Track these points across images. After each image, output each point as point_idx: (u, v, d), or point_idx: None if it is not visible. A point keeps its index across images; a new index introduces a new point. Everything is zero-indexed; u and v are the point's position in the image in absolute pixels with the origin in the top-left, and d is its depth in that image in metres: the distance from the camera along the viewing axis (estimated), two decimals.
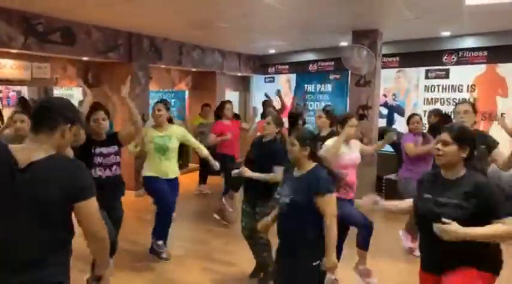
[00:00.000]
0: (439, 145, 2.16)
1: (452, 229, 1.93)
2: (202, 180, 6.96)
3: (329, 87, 8.70)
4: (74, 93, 9.67)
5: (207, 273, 3.91)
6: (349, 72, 6.67)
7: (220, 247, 4.57)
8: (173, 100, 9.94)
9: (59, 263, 1.69)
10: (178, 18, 5.54)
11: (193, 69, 8.36)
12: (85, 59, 6.21)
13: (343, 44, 7.34)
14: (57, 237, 1.66)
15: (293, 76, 9.32)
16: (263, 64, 9.71)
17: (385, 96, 7.81)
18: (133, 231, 4.82)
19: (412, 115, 4.76)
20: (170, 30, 6.52)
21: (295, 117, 5.82)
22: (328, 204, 2.39)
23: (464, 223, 1.95)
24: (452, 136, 2.14)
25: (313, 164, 2.52)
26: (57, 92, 9.66)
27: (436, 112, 5.27)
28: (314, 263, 2.38)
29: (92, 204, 1.67)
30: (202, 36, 7.08)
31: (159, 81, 8.13)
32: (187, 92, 9.44)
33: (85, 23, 5.70)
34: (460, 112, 3.43)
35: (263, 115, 6.61)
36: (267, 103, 6.92)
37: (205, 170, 6.82)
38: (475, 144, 2.18)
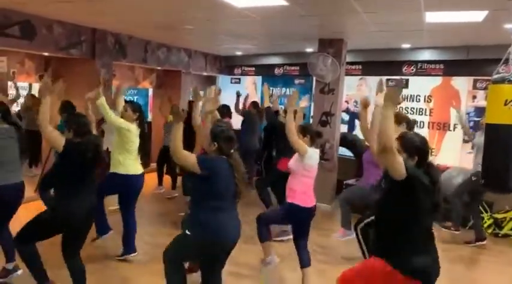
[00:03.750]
0: None
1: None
2: (159, 180, 6.90)
3: None
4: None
5: None
6: (314, 77, 6.83)
7: None
8: (136, 97, 9.76)
9: None
10: (144, 18, 5.44)
11: (159, 68, 8.25)
12: (45, 54, 5.98)
13: (309, 50, 7.49)
14: None
15: (259, 79, 9.40)
16: (229, 65, 9.72)
17: (347, 102, 8.04)
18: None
19: None
20: (136, 28, 6.39)
21: None
22: None
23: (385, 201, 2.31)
24: (401, 145, 2.29)
25: None
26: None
27: None
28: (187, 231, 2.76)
29: None
30: (169, 36, 7.00)
31: (122, 78, 7.95)
32: (151, 90, 9.29)
33: (46, 17, 5.48)
34: None
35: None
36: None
37: (161, 169, 6.81)
38: (426, 154, 2.32)
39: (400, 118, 3.65)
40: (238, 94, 7.41)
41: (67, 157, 3.00)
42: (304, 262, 3.63)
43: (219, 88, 4.96)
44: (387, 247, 2.28)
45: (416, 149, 2.27)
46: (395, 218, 2.24)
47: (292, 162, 3.61)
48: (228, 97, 9.53)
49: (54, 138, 3.00)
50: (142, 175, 4.22)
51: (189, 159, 2.66)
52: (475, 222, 5.26)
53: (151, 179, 6.86)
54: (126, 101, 4.53)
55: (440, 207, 2.26)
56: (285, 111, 4.61)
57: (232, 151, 2.81)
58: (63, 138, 3.02)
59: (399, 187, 2.17)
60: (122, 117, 4.13)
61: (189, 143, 4.21)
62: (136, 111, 4.18)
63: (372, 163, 4.28)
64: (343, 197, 4.68)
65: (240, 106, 7.47)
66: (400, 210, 2.20)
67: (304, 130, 3.63)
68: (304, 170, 3.54)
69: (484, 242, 5.12)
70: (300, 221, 3.62)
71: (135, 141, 4.15)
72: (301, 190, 3.53)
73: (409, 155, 2.25)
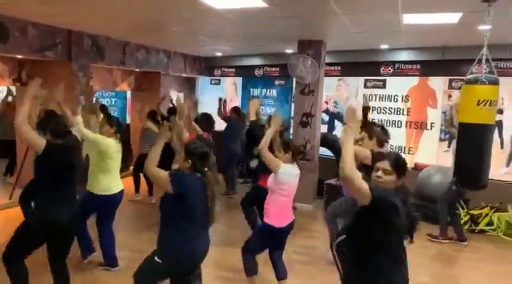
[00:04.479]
0: (380, 173, 2.26)
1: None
2: (136, 187, 6.71)
3: (274, 92, 8.88)
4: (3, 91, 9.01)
5: None
6: (294, 78, 6.86)
7: None
8: (114, 100, 9.63)
9: None
10: (124, 19, 5.35)
11: (137, 70, 8.13)
12: (19, 56, 5.81)
13: (289, 51, 7.53)
14: None
15: (239, 80, 9.39)
16: (209, 66, 9.67)
17: (326, 103, 8.11)
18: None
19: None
20: (114, 30, 6.28)
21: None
22: None
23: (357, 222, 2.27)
24: (392, 165, 2.25)
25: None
26: None
27: None
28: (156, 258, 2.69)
29: None
30: (148, 37, 6.91)
31: (100, 80, 7.80)
32: (129, 93, 9.16)
33: (20, 19, 5.32)
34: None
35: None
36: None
37: (137, 176, 6.64)
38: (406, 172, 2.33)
39: (372, 133, 3.68)
40: (220, 100, 7.56)
41: (47, 160, 2.91)
42: (281, 274, 3.59)
43: (197, 98, 4.76)
44: (361, 266, 2.25)
45: (404, 170, 2.30)
46: (367, 239, 2.19)
47: (270, 180, 3.54)
48: (208, 100, 9.54)
49: (32, 138, 2.88)
50: (121, 191, 4.09)
51: (161, 175, 2.62)
52: (455, 224, 5.33)
53: (129, 184, 6.77)
54: (101, 109, 4.40)
55: (415, 222, 2.27)
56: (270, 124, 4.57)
57: (206, 169, 2.78)
58: (42, 139, 2.92)
59: (368, 210, 2.13)
60: (100, 133, 4.01)
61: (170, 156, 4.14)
62: (114, 125, 4.06)
63: None
64: (331, 213, 4.36)
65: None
66: (372, 231, 2.16)
67: (286, 146, 3.55)
68: (280, 189, 3.45)
69: (466, 243, 5.24)
70: (275, 240, 3.58)
71: (115, 157, 3.99)
72: (277, 209, 3.46)
73: (398, 176, 2.25)
